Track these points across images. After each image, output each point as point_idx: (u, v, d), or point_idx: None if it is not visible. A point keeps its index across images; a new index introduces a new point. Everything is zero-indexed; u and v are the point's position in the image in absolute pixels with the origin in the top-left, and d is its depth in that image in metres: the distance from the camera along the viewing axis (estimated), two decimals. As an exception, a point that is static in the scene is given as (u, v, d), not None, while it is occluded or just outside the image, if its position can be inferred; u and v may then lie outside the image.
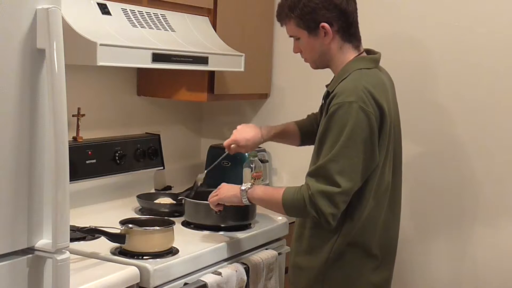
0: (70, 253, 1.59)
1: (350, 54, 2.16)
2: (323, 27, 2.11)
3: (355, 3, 2.16)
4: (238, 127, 2.46)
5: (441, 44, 2.83)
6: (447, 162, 2.84)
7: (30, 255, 1.58)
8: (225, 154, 2.47)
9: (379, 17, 2.91)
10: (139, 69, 2.94)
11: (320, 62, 2.20)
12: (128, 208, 2.66)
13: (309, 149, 3.00)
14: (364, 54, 2.19)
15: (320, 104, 2.50)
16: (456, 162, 2.83)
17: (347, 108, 1.99)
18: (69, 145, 1.56)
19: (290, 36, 2.22)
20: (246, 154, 3.07)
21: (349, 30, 2.15)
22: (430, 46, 2.86)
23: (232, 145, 2.43)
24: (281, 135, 2.52)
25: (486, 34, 2.74)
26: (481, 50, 2.76)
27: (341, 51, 2.15)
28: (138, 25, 2.37)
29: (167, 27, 2.51)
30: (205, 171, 2.60)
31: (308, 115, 2.55)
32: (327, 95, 2.15)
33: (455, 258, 2.86)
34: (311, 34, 2.13)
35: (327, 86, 2.22)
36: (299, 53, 2.25)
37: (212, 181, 2.99)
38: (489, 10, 2.73)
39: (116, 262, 2.00)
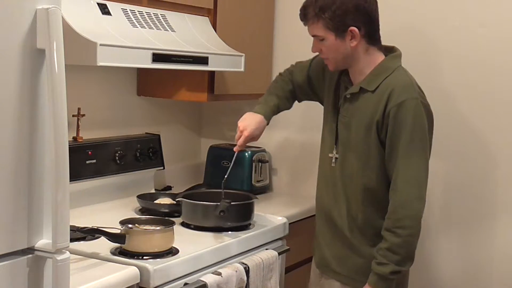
0: (70, 253, 1.59)
1: (376, 55, 2.21)
2: (352, 31, 2.13)
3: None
4: (244, 117, 2.39)
5: (449, 40, 2.81)
6: (449, 162, 2.84)
7: (30, 255, 1.57)
8: (235, 155, 2.41)
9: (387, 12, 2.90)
10: (139, 69, 2.93)
11: (342, 63, 2.22)
12: (128, 208, 2.66)
13: (309, 149, 2.99)
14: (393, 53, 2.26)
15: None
16: (458, 161, 2.83)
17: (416, 105, 2.11)
18: (69, 145, 1.56)
19: (313, 36, 2.20)
20: (247, 154, 3.07)
21: (374, 35, 2.20)
22: (438, 41, 2.83)
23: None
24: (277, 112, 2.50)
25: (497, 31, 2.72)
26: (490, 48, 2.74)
27: (367, 54, 2.20)
28: (138, 25, 2.37)
29: (167, 27, 2.51)
30: (225, 177, 2.46)
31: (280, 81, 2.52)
32: (357, 92, 2.19)
33: (458, 258, 2.85)
34: (338, 36, 2.15)
35: (346, 83, 2.24)
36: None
37: (213, 182, 3.00)
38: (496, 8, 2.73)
39: (116, 262, 2.00)
